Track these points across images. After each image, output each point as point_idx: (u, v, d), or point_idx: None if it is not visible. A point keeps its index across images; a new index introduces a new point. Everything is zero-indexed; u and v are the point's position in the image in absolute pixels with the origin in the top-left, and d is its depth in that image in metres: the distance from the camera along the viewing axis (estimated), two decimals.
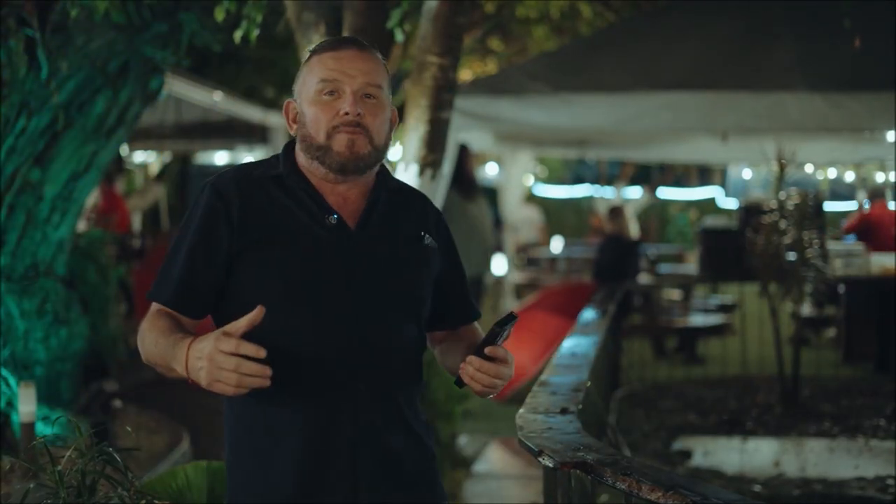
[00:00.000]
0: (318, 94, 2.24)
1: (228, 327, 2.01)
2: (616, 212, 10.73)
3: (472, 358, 2.19)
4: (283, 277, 2.20)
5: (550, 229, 18.89)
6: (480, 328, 2.52)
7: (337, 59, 2.25)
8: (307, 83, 2.27)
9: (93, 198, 9.85)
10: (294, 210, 2.25)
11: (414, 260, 2.34)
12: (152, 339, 2.15)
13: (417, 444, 2.30)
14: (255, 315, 2.02)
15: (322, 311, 2.20)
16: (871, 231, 10.13)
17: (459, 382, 2.24)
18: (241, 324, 2.01)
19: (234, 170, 2.33)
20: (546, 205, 21.83)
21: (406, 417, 2.28)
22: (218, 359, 1.96)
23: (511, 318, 2.22)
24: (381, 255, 2.28)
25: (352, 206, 2.30)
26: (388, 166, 2.43)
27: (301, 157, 2.31)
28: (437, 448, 2.45)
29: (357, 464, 2.19)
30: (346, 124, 2.22)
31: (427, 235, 2.37)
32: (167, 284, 2.24)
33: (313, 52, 2.31)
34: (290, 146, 2.35)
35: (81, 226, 7.46)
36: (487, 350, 2.18)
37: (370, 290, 2.24)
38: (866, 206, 10.88)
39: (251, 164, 2.36)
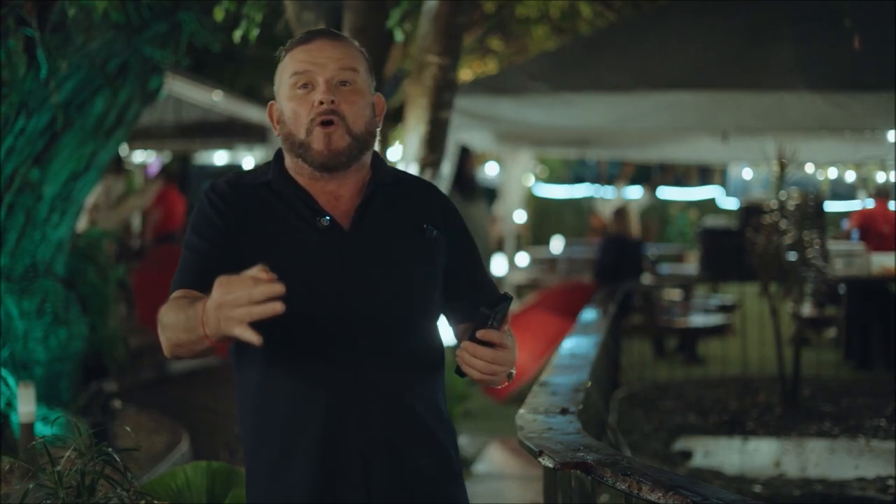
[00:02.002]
0: (292, 89, 2.21)
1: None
2: (621, 212, 10.73)
3: (466, 343, 2.10)
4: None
5: (546, 228, 18.92)
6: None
7: (307, 51, 2.22)
8: (282, 81, 2.24)
9: (92, 197, 9.86)
10: (286, 215, 2.22)
11: (416, 254, 2.26)
12: (173, 317, 2.07)
13: (434, 445, 2.23)
14: (255, 270, 1.89)
15: (320, 318, 2.15)
16: (871, 230, 10.12)
17: (459, 371, 2.15)
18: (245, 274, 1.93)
19: (228, 178, 2.30)
20: (546, 205, 21.85)
21: (420, 416, 2.21)
22: (227, 297, 1.86)
23: (504, 298, 2.15)
24: (379, 253, 2.22)
25: (345, 205, 2.24)
26: (382, 156, 2.37)
27: (288, 159, 2.27)
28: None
29: (369, 471, 2.15)
30: (322, 114, 2.17)
31: (430, 227, 2.29)
32: (181, 274, 2.20)
33: (286, 51, 2.27)
34: (280, 151, 2.32)
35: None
36: (479, 334, 2.09)
37: (369, 291, 2.18)
38: (868, 205, 10.88)
39: (243, 172, 2.33)
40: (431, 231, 2.29)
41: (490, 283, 2.42)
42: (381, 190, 2.28)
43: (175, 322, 2.06)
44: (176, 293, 2.18)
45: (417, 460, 2.20)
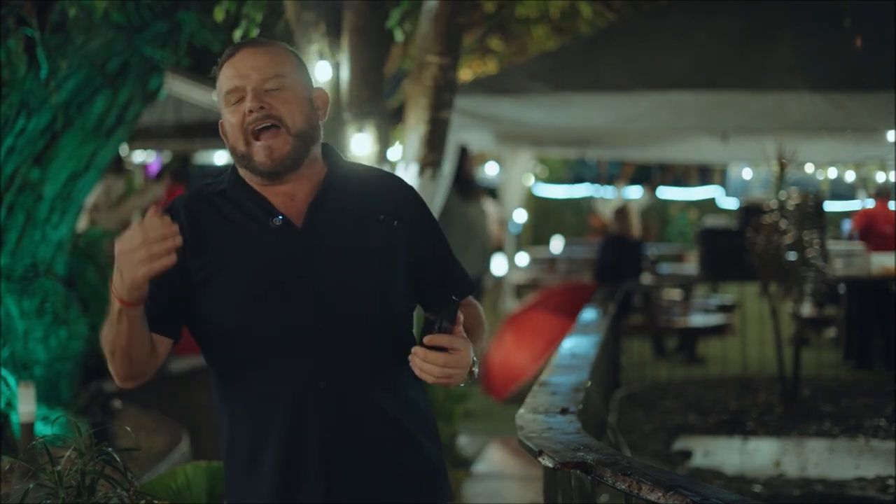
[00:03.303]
0: (227, 105, 2.23)
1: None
2: (622, 212, 10.73)
3: (416, 349, 2.12)
4: (237, 291, 2.19)
5: (546, 228, 18.90)
6: (478, 305, 2.43)
7: (232, 65, 2.24)
8: (220, 98, 2.26)
9: (92, 197, 9.86)
10: (241, 221, 2.24)
11: (373, 247, 2.25)
12: (104, 330, 2.17)
13: (402, 438, 2.23)
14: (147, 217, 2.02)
15: (279, 317, 2.18)
16: (872, 230, 10.12)
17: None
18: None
19: (186, 193, 2.34)
20: (546, 205, 21.84)
21: (388, 413, 2.21)
22: (125, 244, 2.02)
23: (450, 301, 2.14)
24: (334, 249, 2.22)
25: (300, 204, 2.25)
26: (337, 150, 2.37)
27: (238, 169, 2.29)
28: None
29: (329, 464, 2.16)
30: (255, 121, 2.19)
31: (387, 218, 2.27)
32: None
33: (219, 68, 2.28)
34: None
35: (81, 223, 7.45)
36: (427, 340, 2.10)
37: (326, 288, 2.19)
38: (868, 205, 10.88)
39: (204, 184, 2.35)
40: (390, 222, 2.27)
41: (461, 272, 2.41)
42: (335, 185, 2.28)
43: (104, 333, 2.16)
44: None
45: (382, 456, 2.21)
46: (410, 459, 2.25)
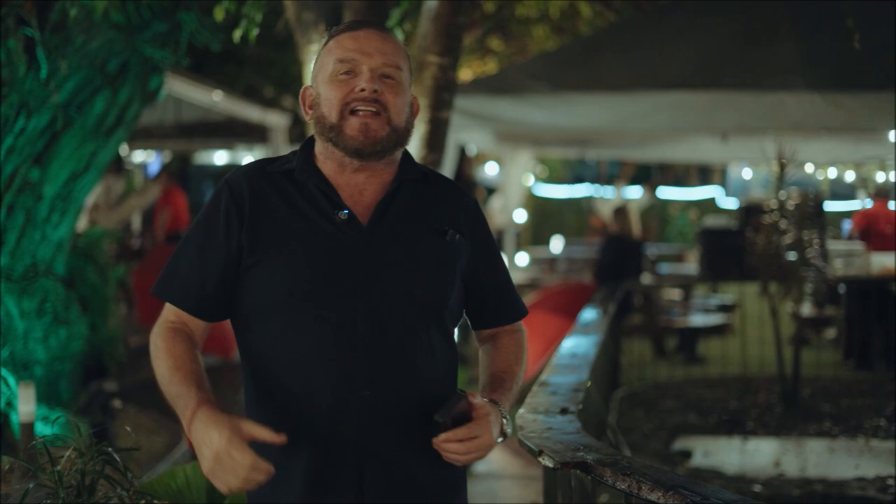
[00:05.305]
0: (334, 75, 2.16)
1: (244, 428, 1.98)
2: (621, 211, 10.73)
3: (436, 442, 2.06)
4: (288, 280, 2.11)
5: (546, 228, 18.89)
6: (523, 331, 2.38)
7: (355, 39, 2.17)
8: (324, 65, 2.19)
9: (92, 197, 9.86)
10: (304, 207, 2.16)
11: (433, 256, 2.19)
12: (164, 367, 2.13)
13: (440, 469, 2.13)
14: (272, 437, 2.00)
15: (327, 315, 2.10)
16: (872, 230, 10.12)
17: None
18: (256, 433, 1.99)
19: (249, 165, 2.26)
20: (546, 205, 21.84)
21: (425, 423, 2.11)
22: (227, 462, 1.95)
23: (456, 396, 2.09)
24: (395, 253, 2.15)
25: (368, 199, 2.18)
26: (410, 155, 2.29)
27: (318, 145, 2.21)
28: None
29: (364, 469, 2.10)
30: (362, 100, 2.12)
31: (452, 230, 2.22)
32: (177, 282, 2.20)
33: (332, 35, 2.23)
34: (309, 140, 2.27)
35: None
36: (440, 442, 2.05)
37: (381, 292, 2.12)
38: (868, 205, 10.88)
39: (268, 159, 2.28)
40: (453, 234, 2.22)
41: (512, 291, 2.37)
42: (406, 187, 2.22)
43: (163, 379, 2.14)
44: (171, 319, 2.20)
45: (416, 462, 2.14)
46: (445, 477, 2.20)
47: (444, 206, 2.26)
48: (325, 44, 2.23)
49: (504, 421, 2.16)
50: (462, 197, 2.32)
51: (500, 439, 2.15)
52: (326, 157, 2.20)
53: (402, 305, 2.14)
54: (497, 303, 2.34)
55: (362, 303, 2.11)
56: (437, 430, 2.06)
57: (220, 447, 1.95)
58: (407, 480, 2.14)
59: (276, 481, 2.07)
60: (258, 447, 2.04)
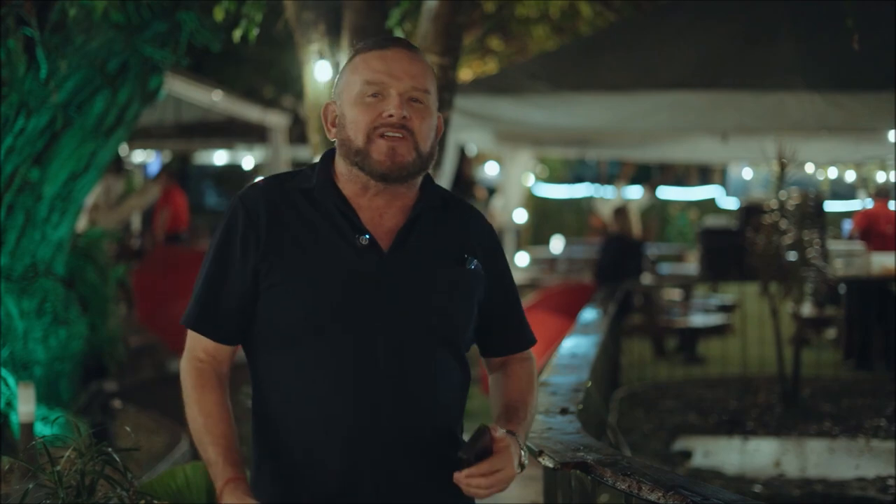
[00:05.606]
0: (361, 97, 2.10)
1: None
2: (621, 211, 10.73)
3: (457, 478, 2.03)
4: (306, 306, 2.08)
5: (546, 228, 18.89)
6: (533, 360, 2.35)
7: (383, 60, 2.11)
8: (350, 84, 2.13)
9: (92, 197, 9.85)
10: (323, 229, 2.11)
11: (453, 284, 2.16)
12: (195, 423, 2.13)
13: (446, 480, 2.07)
14: None
15: (344, 342, 2.07)
16: (872, 230, 10.12)
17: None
18: None
19: (266, 182, 2.20)
20: (546, 205, 21.84)
21: (436, 450, 2.11)
22: None
23: (478, 431, 2.07)
24: (415, 281, 2.11)
25: (389, 224, 2.14)
26: (432, 178, 2.25)
27: (340, 165, 2.15)
28: None
29: (377, 495, 2.07)
30: (390, 126, 2.07)
31: (471, 258, 2.18)
32: (204, 311, 2.16)
33: (357, 52, 2.16)
34: (328, 155, 2.21)
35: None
36: (463, 479, 2.03)
37: (400, 320, 2.09)
38: (868, 205, 10.88)
39: (285, 174, 2.22)
40: (472, 262, 2.19)
41: (522, 320, 2.34)
42: (427, 213, 2.18)
43: (195, 437, 2.14)
44: (197, 356, 2.17)
45: (431, 495, 2.12)
46: (457, 493, 2.12)
47: (463, 234, 2.22)
48: (351, 59, 2.17)
49: (522, 452, 2.14)
50: (480, 223, 2.28)
51: (519, 470, 2.14)
52: (349, 179, 2.14)
53: (420, 334, 2.11)
54: (508, 332, 2.31)
55: (380, 331, 2.08)
56: (461, 466, 2.05)
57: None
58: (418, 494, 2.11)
59: (281, 483, 2.07)
60: (275, 479, 2.09)
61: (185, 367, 2.18)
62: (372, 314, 2.08)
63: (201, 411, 2.13)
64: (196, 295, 2.17)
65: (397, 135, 2.08)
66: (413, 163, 2.10)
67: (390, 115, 2.08)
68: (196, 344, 2.17)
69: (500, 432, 2.09)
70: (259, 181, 2.23)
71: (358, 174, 2.12)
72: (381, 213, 2.14)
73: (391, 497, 2.08)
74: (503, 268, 2.30)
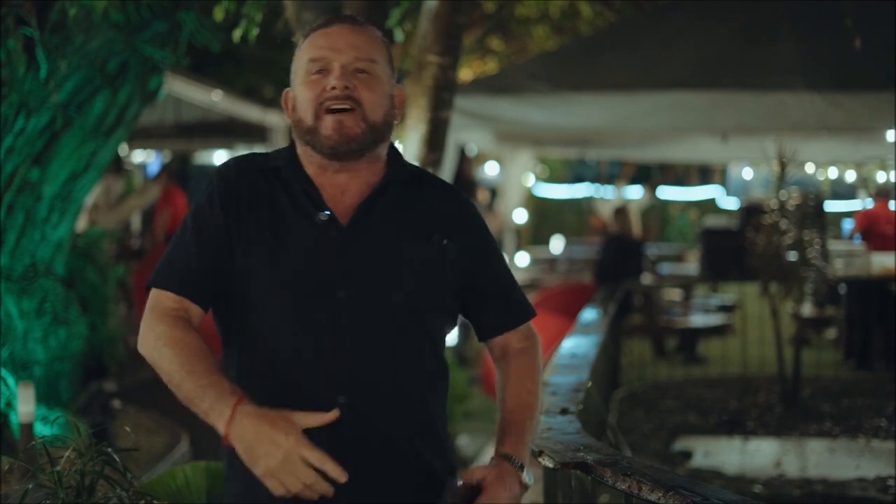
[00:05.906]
0: (307, 75, 2.11)
1: (298, 421, 1.89)
2: (621, 211, 10.73)
3: None
4: (266, 280, 2.06)
5: (546, 228, 18.89)
6: (535, 340, 2.28)
7: (326, 36, 2.12)
8: (298, 65, 2.15)
9: (92, 197, 9.85)
10: (287, 206, 2.10)
11: (416, 261, 2.11)
12: (177, 359, 1.98)
13: (413, 460, 2.06)
14: (329, 416, 1.92)
15: (305, 317, 2.04)
16: (873, 230, 10.12)
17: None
18: (308, 420, 1.91)
19: (240, 158, 2.21)
20: (546, 205, 21.84)
21: (404, 431, 2.06)
22: (297, 464, 1.86)
23: (453, 484, 2.07)
24: (374, 255, 2.08)
25: (350, 200, 2.12)
26: (401, 154, 2.21)
27: (298, 147, 2.16)
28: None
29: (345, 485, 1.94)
30: (334, 99, 2.07)
31: (439, 234, 2.14)
32: (177, 271, 2.10)
33: (305, 35, 2.19)
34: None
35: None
36: None
37: (359, 295, 2.05)
38: (869, 205, 10.88)
39: (258, 154, 2.23)
40: (440, 239, 2.14)
41: (515, 292, 2.29)
42: (393, 188, 2.15)
43: (178, 376, 1.98)
44: (165, 305, 2.06)
45: (394, 482, 2.06)
46: (427, 488, 2.11)
47: (434, 209, 2.18)
48: (299, 45, 2.19)
49: (523, 473, 2.10)
50: (455, 199, 2.24)
51: (520, 490, 2.10)
52: (308, 160, 2.15)
53: (380, 308, 2.06)
54: (499, 305, 2.25)
55: (340, 305, 2.04)
56: None
57: (289, 447, 1.86)
58: (385, 488, 2.06)
59: (249, 483, 1.95)
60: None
61: (152, 319, 2.06)
62: (330, 289, 2.05)
63: (183, 345, 2.00)
64: (170, 256, 2.13)
65: (344, 106, 2.08)
66: (363, 134, 2.09)
67: (333, 88, 2.08)
68: (166, 301, 2.08)
69: (479, 473, 2.07)
70: (234, 158, 2.23)
71: (312, 154, 2.13)
72: (342, 190, 2.13)
73: (354, 483, 1.94)
74: (484, 245, 2.24)
